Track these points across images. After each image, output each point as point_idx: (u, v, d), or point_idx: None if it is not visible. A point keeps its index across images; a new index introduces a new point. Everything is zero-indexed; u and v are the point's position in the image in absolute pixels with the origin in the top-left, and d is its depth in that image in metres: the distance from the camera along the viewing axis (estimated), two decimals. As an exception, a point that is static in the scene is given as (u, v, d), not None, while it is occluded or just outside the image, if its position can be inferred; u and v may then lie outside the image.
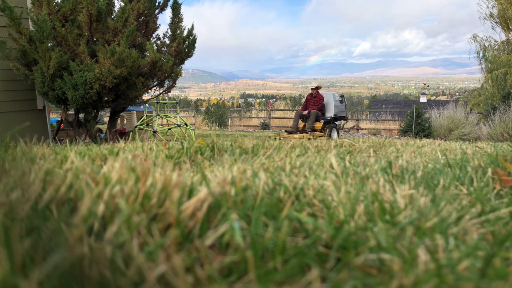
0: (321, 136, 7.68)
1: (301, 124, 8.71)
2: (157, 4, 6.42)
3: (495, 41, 18.39)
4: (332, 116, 8.72)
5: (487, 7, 18.34)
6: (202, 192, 0.56)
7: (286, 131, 8.64)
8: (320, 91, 8.89)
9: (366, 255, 0.45)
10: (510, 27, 17.70)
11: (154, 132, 6.78)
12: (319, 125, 8.43)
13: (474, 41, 18.85)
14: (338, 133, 8.94)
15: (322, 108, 8.68)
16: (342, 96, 9.39)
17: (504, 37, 18.12)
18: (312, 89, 8.69)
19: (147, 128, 7.07)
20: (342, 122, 9.63)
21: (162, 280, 0.40)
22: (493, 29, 18.38)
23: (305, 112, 8.56)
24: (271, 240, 0.46)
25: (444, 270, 0.41)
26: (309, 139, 2.25)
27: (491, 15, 18.27)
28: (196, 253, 0.45)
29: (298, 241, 0.50)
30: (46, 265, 0.36)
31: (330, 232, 0.50)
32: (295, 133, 8.08)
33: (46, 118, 5.54)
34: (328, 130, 8.49)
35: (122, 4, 5.54)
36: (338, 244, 0.48)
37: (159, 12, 6.58)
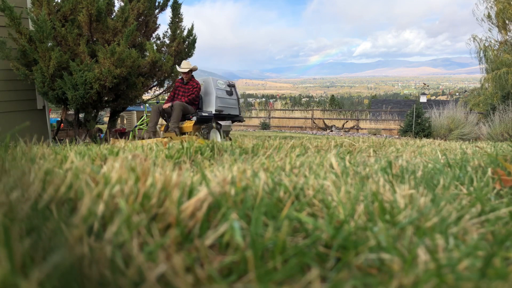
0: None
1: (164, 124, 5.64)
2: (157, 4, 6.43)
3: (495, 41, 18.41)
4: (213, 112, 5.64)
5: (486, 7, 18.34)
6: (202, 192, 0.56)
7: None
8: (202, 78, 5.89)
9: (366, 255, 0.45)
10: (508, 27, 17.71)
11: (154, 132, 6.77)
12: (188, 125, 5.31)
13: (473, 41, 18.87)
14: (222, 136, 5.81)
15: (197, 100, 5.63)
16: (231, 85, 6.19)
17: (501, 38, 18.15)
18: (183, 73, 5.56)
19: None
20: (231, 122, 6.26)
21: (162, 280, 0.40)
22: (489, 31, 18.42)
23: (166, 106, 5.35)
24: (271, 240, 0.46)
25: (444, 270, 0.41)
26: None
27: (489, 16, 18.28)
28: (196, 253, 0.45)
29: (298, 241, 0.50)
30: (46, 265, 0.36)
31: (330, 232, 0.50)
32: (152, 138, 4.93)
33: (46, 118, 5.55)
34: (205, 131, 5.43)
35: (122, 4, 5.54)
36: (338, 244, 0.48)
37: (159, 12, 6.59)
